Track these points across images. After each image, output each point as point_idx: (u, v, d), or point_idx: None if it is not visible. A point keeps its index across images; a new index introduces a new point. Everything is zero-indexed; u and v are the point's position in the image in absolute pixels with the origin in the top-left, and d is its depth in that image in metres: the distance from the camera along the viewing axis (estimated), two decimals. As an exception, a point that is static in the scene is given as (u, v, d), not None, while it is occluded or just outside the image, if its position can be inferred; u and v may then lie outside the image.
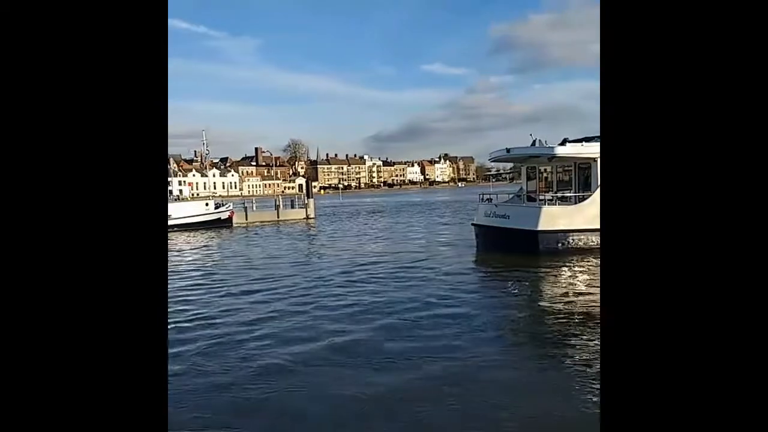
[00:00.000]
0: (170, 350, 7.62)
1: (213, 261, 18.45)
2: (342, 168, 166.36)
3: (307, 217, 38.32)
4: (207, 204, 36.11)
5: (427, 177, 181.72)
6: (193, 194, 57.65)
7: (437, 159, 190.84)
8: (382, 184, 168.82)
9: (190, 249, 22.77)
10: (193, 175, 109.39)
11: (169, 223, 32.65)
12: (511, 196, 19.49)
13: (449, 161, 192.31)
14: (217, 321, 9.32)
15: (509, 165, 25.00)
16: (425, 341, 7.68)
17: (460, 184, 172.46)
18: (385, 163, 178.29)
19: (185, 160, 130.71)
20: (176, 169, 55.77)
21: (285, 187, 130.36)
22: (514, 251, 15.07)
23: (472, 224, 19.27)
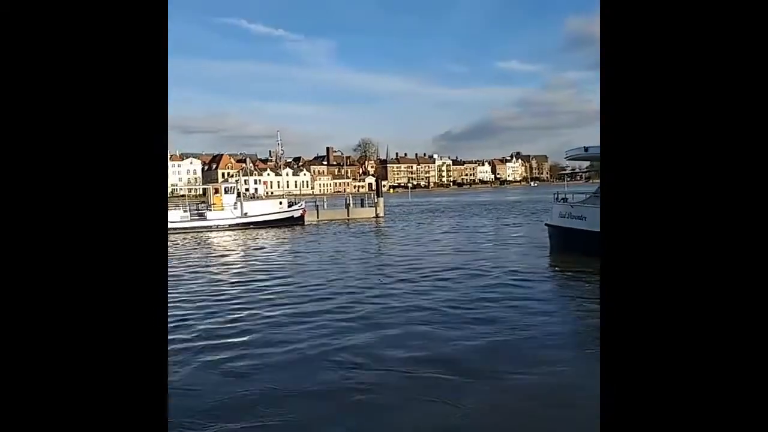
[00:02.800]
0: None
1: (293, 259, 18.98)
2: (411, 167, 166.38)
3: (377, 216, 38.64)
4: (281, 202, 37.26)
5: (498, 176, 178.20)
6: (267, 192, 59.64)
7: (509, 158, 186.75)
8: (451, 184, 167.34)
9: (265, 245, 23.58)
10: (268, 174, 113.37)
11: (246, 220, 34.00)
12: (587, 196, 18.69)
13: (521, 160, 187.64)
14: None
15: (585, 164, 23.96)
16: (497, 348, 7.50)
17: (532, 184, 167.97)
18: (455, 162, 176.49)
19: (261, 160, 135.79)
20: (252, 169, 57.99)
21: (355, 186, 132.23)
22: (590, 254, 14.41)
23: (546, 225, 18.66)
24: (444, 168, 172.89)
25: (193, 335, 8.62)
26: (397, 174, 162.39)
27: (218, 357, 7.44)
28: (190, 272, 16.00)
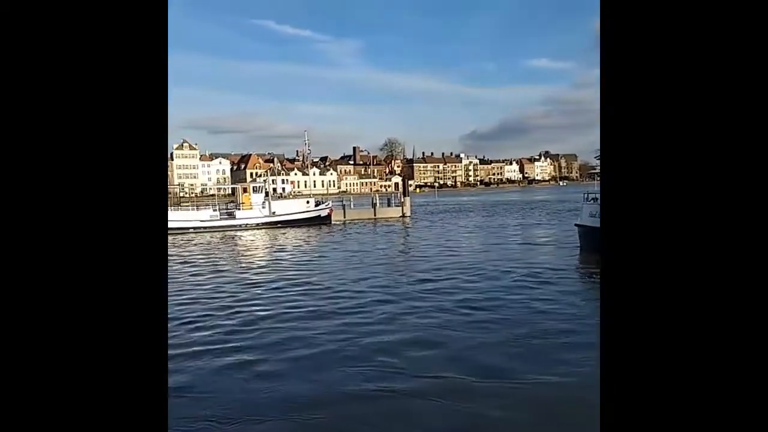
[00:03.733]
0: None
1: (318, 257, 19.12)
2: (438, 166, 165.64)
3: (403, 215, 38.61)
4: (308, 202, 37.54)
5: (526, 175, 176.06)
6: (294, 192, 60.20)
7: (537, 157, 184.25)
8: (478, 183, 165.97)
9: (294, 245, 23.78)
10: (295, 174, 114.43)
11: (274, 219, 34.35)
12: (618, 195, 18.25)
13: (550, 159, 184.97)
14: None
15: (617, 162, 23.45)
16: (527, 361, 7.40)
17: (561, 183, 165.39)
18: (482, 162, 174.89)
19: (288, 160, 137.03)
20: (280, 168, 58.63)
21: (381, 186, 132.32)
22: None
23: (576, 225, 18.37)
24: (471, 167, 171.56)
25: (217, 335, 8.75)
26: (424, 173, 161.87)
27: (237, 358, 7.53)
28: (224, 269, 16.27)
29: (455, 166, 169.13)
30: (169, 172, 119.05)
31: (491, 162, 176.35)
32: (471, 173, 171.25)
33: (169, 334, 8.52)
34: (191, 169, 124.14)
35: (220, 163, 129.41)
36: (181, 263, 18.24)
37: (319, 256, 18.95)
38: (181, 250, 22.90)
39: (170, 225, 32.23)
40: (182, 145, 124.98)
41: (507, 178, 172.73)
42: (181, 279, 14.71)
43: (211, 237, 29.25)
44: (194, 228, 32.51)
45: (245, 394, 6.00)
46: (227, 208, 36.02)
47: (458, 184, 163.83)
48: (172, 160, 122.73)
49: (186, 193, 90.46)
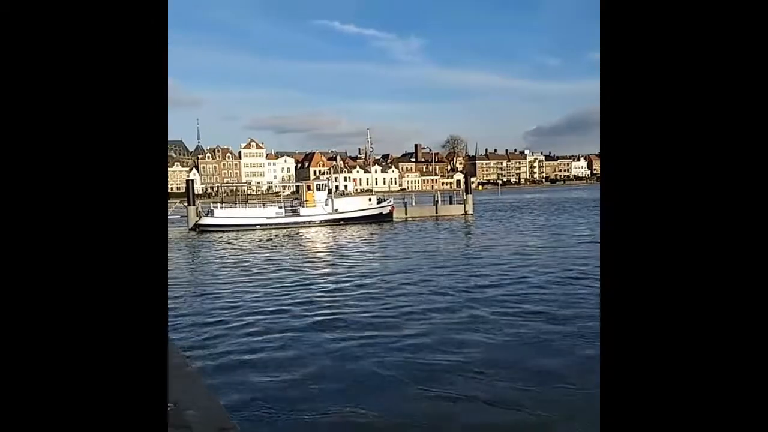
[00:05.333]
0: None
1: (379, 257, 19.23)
2: (501, 163, 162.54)
3: (466, 213, 38.16)
4: (370, 199, 37.82)
5: (594, 172, 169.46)
6: (356, 189, 60.97)
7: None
8: (543, 180, 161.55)
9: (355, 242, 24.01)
10: (357, 172, 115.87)
11: (336, 216, 34.86)
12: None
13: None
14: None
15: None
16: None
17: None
18: (548, 158, 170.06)
19: (350, 158, 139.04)
20: (342, 166, 59.44)
21: (443, 183, 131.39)
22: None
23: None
24: (536, 164, 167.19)
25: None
26: (486, 170, 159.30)
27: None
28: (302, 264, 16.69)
29: (519, 162, 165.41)
30: (236, 170, 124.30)
31: (557, 158, 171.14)
32: (536, 170, 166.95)
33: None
34: (258, 167, 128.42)
35: (285, 161, 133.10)
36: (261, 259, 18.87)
37: (382, 254, 19.04)
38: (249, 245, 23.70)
39: (238, 222, 33.48)
40: (249, 145, 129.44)
41: (574, 175, 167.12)
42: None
43: (277, 234, 30.08)
44: (261, 225, 33.54)
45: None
46: (292, 206, 36.91)
47: (522, 181, 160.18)
48: (240, 158, 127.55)
49: (253, 190, 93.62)
